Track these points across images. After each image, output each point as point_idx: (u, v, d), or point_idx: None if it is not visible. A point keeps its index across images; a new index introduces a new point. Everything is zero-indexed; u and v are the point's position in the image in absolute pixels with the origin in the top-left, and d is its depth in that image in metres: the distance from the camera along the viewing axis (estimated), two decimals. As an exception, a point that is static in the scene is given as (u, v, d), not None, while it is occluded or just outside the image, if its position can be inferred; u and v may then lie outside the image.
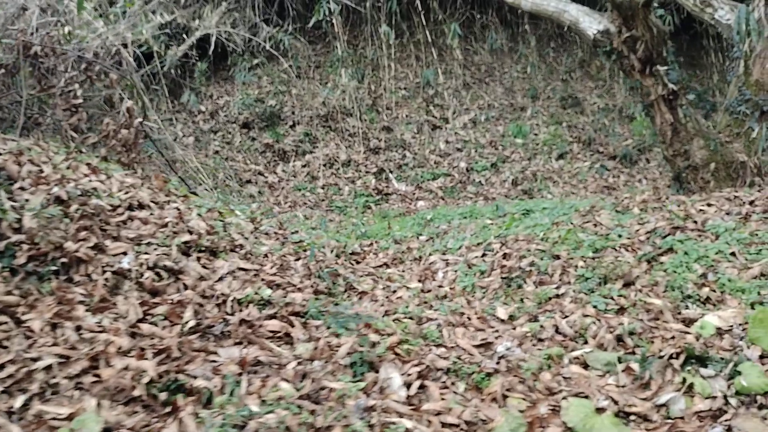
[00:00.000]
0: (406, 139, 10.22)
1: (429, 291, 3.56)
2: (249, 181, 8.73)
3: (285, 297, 2.74)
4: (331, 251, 3.93)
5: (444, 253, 4.53)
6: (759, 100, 5.57)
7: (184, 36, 9.46)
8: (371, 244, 4.98)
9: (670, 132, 5.39)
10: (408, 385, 2.24)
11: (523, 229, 4.66)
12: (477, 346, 2.69)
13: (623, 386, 2.45)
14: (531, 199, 8.79)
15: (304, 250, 3.68)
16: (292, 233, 4.41)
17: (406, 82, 11.44)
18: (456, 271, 3.96)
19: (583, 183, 9.57)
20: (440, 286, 3.69)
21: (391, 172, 9.52)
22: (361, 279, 3.53)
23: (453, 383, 2.36)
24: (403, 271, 4.09)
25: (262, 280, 2.90)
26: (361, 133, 10.06)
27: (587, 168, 9.92)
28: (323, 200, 8.61)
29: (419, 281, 3.81)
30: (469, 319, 3.03)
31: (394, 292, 3.42)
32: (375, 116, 10.58)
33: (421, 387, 2.28)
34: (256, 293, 2.65)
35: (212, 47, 9.72)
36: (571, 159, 10.20)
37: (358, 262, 4.04)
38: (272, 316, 2.53)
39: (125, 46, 7.54)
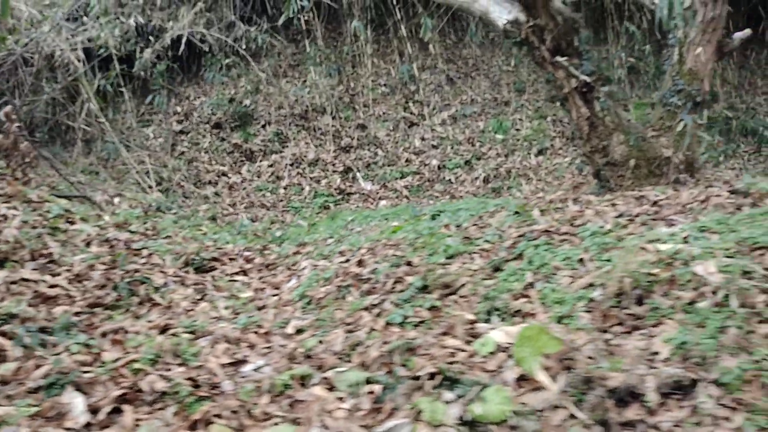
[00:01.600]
0: (379, 137, 10.03)
1: (254, 301, 3.41)
2: (210, 182, 8.71)
3: (40, 311, 2.63)
4: (177, 259, 3.81)
5: (326, 258, 4.36)
6: (692, 90, 5.18)
7: (150, 38, 9.49)
8: (263, 248, 4.85)
9: (587, 126, 5.06)
10: (96, 411, 2.10)
11: (410, 233, 4.44)
12: (229, 365, 2.52)
13: (357, 411, 2.25)
14: (498, 197, 8.49)
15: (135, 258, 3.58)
16: (163, 238, 4.31)
17: (387, 78, 11.22)
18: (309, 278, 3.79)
19: (559, 180, 9.17)
20: (274, 296, 3.53)
21: (358, 170, 9.35)
22: (180, 288, 3.39)
23: (164, 407, 2.20)
24: (260, 278, 3.94)
25: (35, 292, 2.80)
26: (332, 132, 9.92)
27: (567, 164, 9.51)
28: (281, 201, 8.52)
29: (260, 290, 3.66)
30: (256, 333, 2.86)
31: (199, 303, 3.27)
32: (351, 114, 10.43)
33: (117, 412, 2.13)
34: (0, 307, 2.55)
35: (182, 48, 9.74)
36: (551, 155, 9.81)
37: (207, 270, 3.91)
38: (2, 333, 2.43)
39: (74, 49, 7.60)
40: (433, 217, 5.20)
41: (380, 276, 3.41)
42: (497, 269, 3.41)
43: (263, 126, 9.94)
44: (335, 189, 8.80)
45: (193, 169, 8.87)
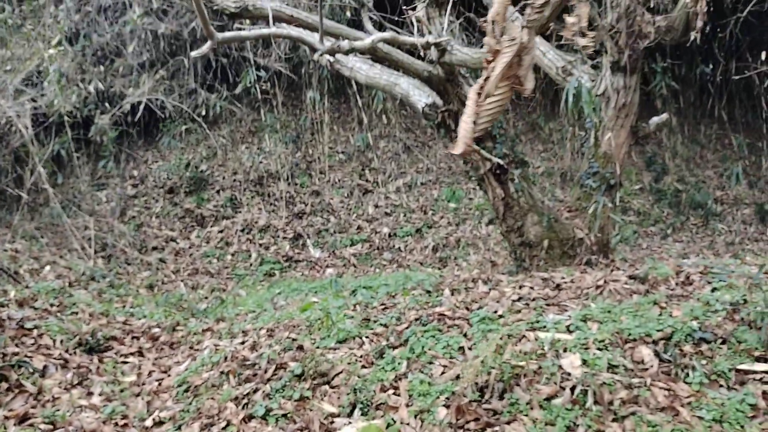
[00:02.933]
0: (333, 204, 10.13)
1: (135, 386, 3.38)
2: (156, 248, 8.70)
3: None
4: (70, 339, 3.78)
5: (233, 337, 4.34)
6: (606, 173, 5.34)
7: (107, 105, 9.65)
8: (176, 324, 4.82)
9: (503, 207, 5.17)
10: None
11: (317, 312, 4.45)
12: (71, 461, 2.49)
13: None
14: (444, 268, 8.56)
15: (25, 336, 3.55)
16: (68, 314, 4.29)
17: (346, 146, 11.42)
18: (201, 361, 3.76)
19: (506, 249, 9.26)
20: (158, 381, 3.51)
21: (309, 237, 9.40)
22: (58, 373, 3.36)
23: None
24: (155, 360, 3.91)
25: None
26: (286, 198, 10.01)
27: (516, 234, 9.60)
28: (227, 267, 8.51)
29: (148, 373, 3.63)
30: (116, 424, 2.84)
31: (74, 389, 3.24)
32: (306, 180, 10.55)
33: None
34: None
35: (139, 114, 9.89)
36: (502, 224, 9.92)
37: (102, 350, 3.88)
38: None
39: (19, 116, 7.71)
40: (353, 293, 5.22)
41: (264, 362, 3.40)
42: (381, 356, 3.42)
43: (218, 191, 10.02)
44: (283, 256, 8.82)
45: (141, 234, 8.87)
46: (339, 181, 10.65)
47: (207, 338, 4.31)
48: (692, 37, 4.76)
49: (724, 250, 9.64)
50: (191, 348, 4.18)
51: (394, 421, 2.71)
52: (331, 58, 5.49)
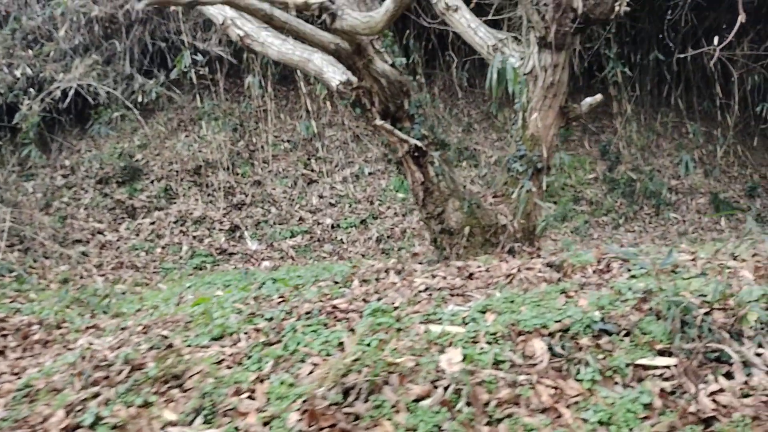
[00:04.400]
0: (275, 194, 9.72)
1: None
2: (80, 241, 8.22)
3: None
4: None
5: (121, 331, 3.94)
6: (533, 156, 5.03)
7: (32, 90, 9.12)
8: (62, 321, 4.41)
9: (422, 192, 4.83)
10: None
11: (209, 305, 4.07)
12: None
13: None
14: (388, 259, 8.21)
15: None
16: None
17: (292, 134, 10.99)
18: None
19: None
20: (1, 384, 3.11)
21: (246, 229, 8.98)
22: None
23: None
24: (15, 360, 3.50)
25: None
26: (225, 188, 9.57)
27: (463, 224, 9.29)
28: (155, 261, 8.06)
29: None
30: None
31: None
32: (248, 170, 10.11)
33: None
34: None
35: (68, 100, 9.38)
36: (450, 214, 9.61)
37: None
38: None
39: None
40: (261, 286, 4.84)
41: (119, 362, 3.01)
42: (249, 355, 3.05)
43: (152, 181, 9.52)
44: (216, 249, 8.40)
45: (66, 227, 8.38)
46: (283, 170, 10.23)
47: (85, 336, 3.91)
48: (617, 10, 4.46)
49: (676, 239, 9.44)
50: (65, 347, 3.78)
51: (238, 429, 2.35)
52: (241, 33, 5.10)
